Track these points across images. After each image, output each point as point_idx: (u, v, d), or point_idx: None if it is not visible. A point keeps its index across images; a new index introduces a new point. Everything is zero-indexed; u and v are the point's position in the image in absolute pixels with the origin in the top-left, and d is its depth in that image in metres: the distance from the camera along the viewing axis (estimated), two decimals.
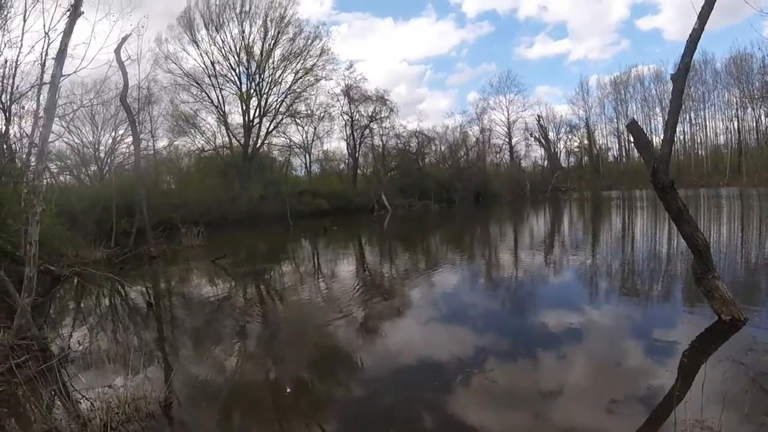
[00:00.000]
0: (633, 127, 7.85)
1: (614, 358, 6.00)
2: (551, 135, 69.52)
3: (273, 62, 39.50)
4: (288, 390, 5.52)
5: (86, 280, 11.81)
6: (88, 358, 6.83)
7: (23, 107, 14.80)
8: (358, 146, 45.81)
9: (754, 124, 59.85)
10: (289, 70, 40.03)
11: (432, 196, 42.70)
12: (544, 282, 11.22)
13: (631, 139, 8.28)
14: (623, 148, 68.71)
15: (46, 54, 13.34)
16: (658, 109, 62.83)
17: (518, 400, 5.00)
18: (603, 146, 72.62)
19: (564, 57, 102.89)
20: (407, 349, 6.70)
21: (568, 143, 71.49)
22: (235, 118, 39.81)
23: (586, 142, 70.82)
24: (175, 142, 38.50)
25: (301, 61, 40.15)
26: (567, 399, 4.92)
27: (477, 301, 9.60)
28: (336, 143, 63.27)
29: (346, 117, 44.70)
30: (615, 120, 68.72)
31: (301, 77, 40.20)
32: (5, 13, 12.84)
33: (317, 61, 40.55)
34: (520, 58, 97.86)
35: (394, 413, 4.84)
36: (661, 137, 7.77)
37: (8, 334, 6.83)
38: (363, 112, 45.00)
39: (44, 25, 12.98)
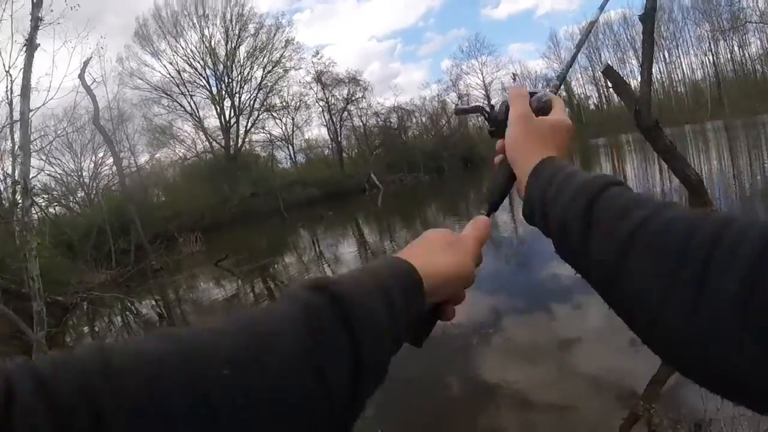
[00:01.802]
0: (609, 72, 7.90)
1: None
2: None
3: (239, 61, 39.19)
4: None
5: (96, 303, 11.83)
6: None
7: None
8: (338, 130, 45.54)
9: (729, 55, 59.93)
10: (256, 66, 39.80)
11: (421, 168, 42.36)
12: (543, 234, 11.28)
13: (610, 84, 8.31)
14: (602, 95, 68.35)
15: (11, 92, 13.31)
16: (631, 53, 62.07)
17: (539, 353, 5.07)
18: (582, 96, 72.46)
19: (532, 12, 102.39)
20: None
21: None
22: (212, 122, 39.63)
23: (564, 93, 70.55)
24: (156, 155, 38.29)
25: (267, 55, 39.88)
26: (587, 345, 4.97)
27: (483, 263, 9.54)
28: (317, 130, 62.90)
29: (321, 103, 44.37)
30: (590, 68, 68.27)
31: (270, 71, 39.96)
32: None
33: (283, 52, 40.31)
34: (488, 18, 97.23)
35: (420, 382, 4.88)
36: (639, 79, 7.80)
37: None
38: (338, 96, 44.70)
39: (3, 65, 12.93)
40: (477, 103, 0.97)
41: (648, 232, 0.52)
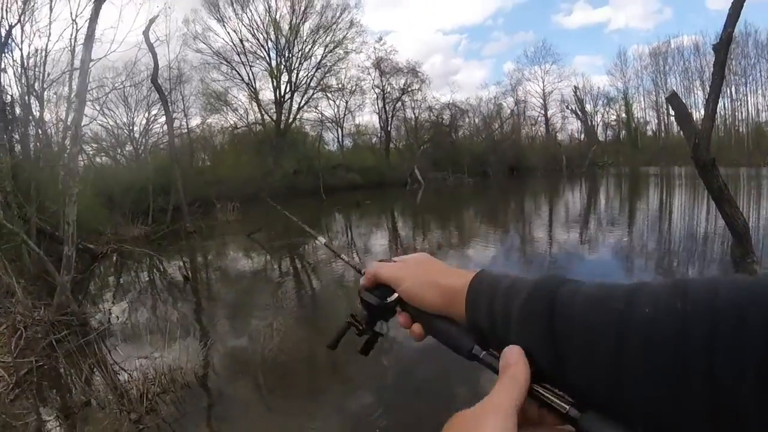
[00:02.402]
0: (673, 99, 7.57)
1: None
2: (588, 107, 65.86)
3: (302, 37, 39.30)
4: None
5: (125, 256, 12.05)
6: (126, 331, 6.99)
7: (56, 93, 15.19)
8: (390, 119, 45.40)
9: None
10: (318, 44, 39.77)
11: (466, 170, 42.00)
12: (580, 259, 10.93)
13: (671, 112, 8.01)
14: (662, 122, 64.33)
15: (75, 40, 13.69)
16: (698, 83, 58.71)
17: None
18: (641, 120, 69.08)
19: (604, 25, 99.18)
20: None
21: (606, 116, 67.54)
22: (267, 94, 39.74)
23: (623, 115, 67.73)
24: (207, 120, 38.61)
25: (331, 35, 39.84)
26: None
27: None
28: (368, 117, 62.78)
29: (377, 90, 44.25)
30: (654, 93, 64.92)
31: (330, 51, 39.91)
32: (32, 4, 13.05)
33: (347, 33, 40.17)
34: (559, 26, 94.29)
35: (428, 387, 4.79)
36: (701, 112, 7.49)
37: (49, 310, 6.97)
38: (394, 85, 44.49)
39: (71, 13, 13.26)
40: (346, 321, 0.84)
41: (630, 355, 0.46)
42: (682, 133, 8.00)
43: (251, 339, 6.51)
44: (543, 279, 0.59)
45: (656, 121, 66.34)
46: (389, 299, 0.78)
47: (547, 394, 0.54)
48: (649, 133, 68.01)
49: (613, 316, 0.48)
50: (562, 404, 0.52)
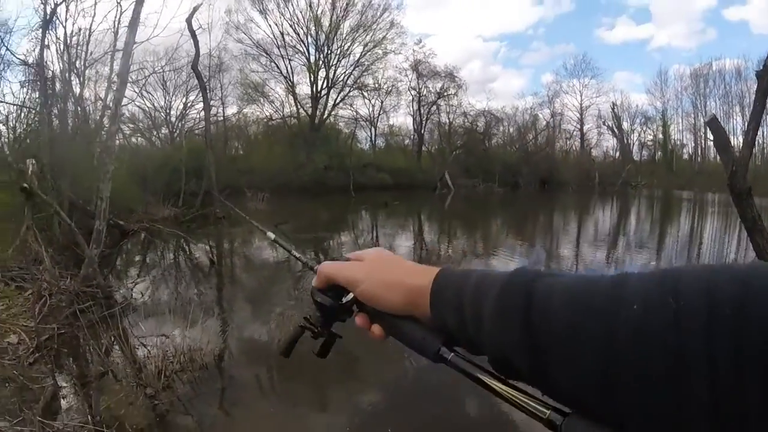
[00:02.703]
0: (713, 123, 7.34)
1: None
2: (625, 125, 63.89)
3: (342, 34, 39.53)
4: None
5: (153, 235, 12.20)
6: (149, 308, 7.06)
7: (97, 72, 15.50)
8: (424, 122, 45.36)
9: None
10: (357, 43, 40.03)
11: (496, 179, 41.77)
12: None
13: (710, 137, 7.83)
14: (699, 146, 62.07)
15: (119, 23, 14.02)
16: (737, 108, 56.69)
17: None
18: (678, 142, 66.56)
19: (646, 42, 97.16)
20: None
21: (642, 135, 65.56)
22: (303, 89, 40.13)
23: (660, 136, 65.91)
24: (244, 110, 39.12)
25: (370, 34, 40.03)
26: None
27: None
28: (402, 118, 62.56)
29: (413, 92, 44.24)
30: (692, 115, 62.65)
31: (369, 50, 40.13)
32: None
33: (386, 34, 40.34)
34: (600, 41, 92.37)
35: (438, 391, 4.72)
36: (740, 138, 7.30)
37: (75, 281, 7.08)
38: (431, 88, 44.39)
39: None
40: (299, 325, 0.84)
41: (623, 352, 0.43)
42: (719, 158, 7.77)
43: (269, 327, 6.51)
44: (517, 271, 0.56)
45: (693, 144, 64.19)
46: (345, 299, 0.75)
47: (522, 398, 0.52)
48: (685, 156, 65.98)
49: (598, 308, 0.46)
50: (541, 408, 0.49)
